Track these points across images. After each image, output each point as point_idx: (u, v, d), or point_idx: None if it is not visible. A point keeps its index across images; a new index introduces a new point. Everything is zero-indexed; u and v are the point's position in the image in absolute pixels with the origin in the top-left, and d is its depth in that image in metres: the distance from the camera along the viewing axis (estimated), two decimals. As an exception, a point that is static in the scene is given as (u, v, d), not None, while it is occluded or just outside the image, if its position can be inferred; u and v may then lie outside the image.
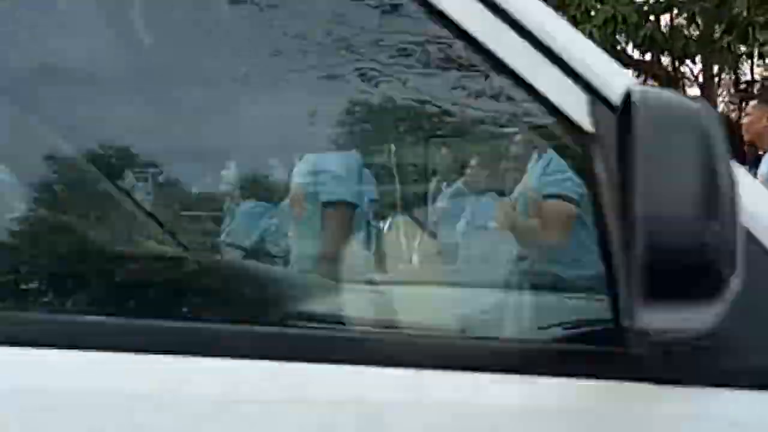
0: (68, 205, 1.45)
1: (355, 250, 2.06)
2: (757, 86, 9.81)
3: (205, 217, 2.13)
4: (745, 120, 4.82)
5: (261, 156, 2.02)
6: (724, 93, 11.41)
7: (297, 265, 2.03)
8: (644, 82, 12.77)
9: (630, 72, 11.18)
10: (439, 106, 1.74)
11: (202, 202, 2.14)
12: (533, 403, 0.77)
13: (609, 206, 0.76)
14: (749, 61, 10.22)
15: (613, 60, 0.93)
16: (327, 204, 2.22)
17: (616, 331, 0.76)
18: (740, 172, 0.78)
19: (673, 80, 10.04)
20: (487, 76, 1.05)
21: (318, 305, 1.16)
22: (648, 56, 9.38)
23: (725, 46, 8.84)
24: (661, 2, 8.71)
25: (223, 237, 2.15)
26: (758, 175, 4.35)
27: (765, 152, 4.32)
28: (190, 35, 1.31)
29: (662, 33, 8.77)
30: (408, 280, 1.83)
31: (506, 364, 0.81)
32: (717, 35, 8.85)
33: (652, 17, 8.72)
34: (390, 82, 1.43)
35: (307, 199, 2.18)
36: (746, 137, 4.52)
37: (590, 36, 8.08)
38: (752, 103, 4.87)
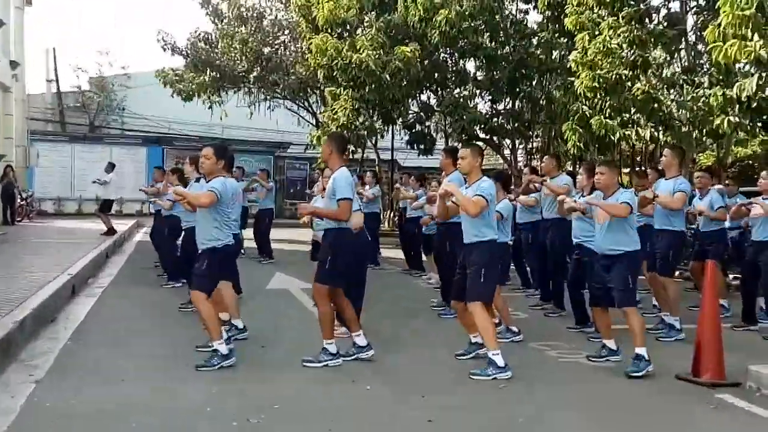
0: None
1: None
2: (534, 150, 19.84)
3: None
4: (543, 164, 10.78)
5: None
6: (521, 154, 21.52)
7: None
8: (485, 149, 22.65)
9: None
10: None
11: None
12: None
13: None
14: (530, 139, 20.23)
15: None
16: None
17: None
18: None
19: (498, 148, 20.00)
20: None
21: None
22: (488, 136, 19.12)
23: (520, 132, 18.94)
24: (493, 113, 18.74)
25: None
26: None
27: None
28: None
29: (495, 126, 18.59)
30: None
31: None
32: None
33: (490, 120, 18.55)
34: None
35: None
36: (541, 172, 11.59)
37: (463, 128, 17.77)
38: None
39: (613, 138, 12.64)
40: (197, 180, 7.35)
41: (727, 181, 11.07)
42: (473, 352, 6.07)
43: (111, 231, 15.81)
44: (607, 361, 6.08)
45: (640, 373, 5.64)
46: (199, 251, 5.92)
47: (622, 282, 5.84)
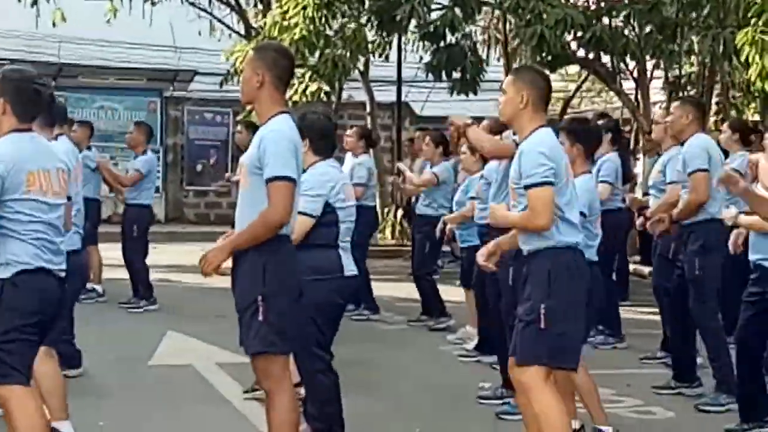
0: None
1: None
2: (683, 80, 19.72)
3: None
4: (669, 118, 9.17)
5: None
6: (657, 87, 21.32)
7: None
8: (587, 77, 22.85)
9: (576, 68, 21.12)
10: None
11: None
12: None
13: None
14: (678, 59, 19.97)
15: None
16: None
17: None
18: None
19: (612, 75, 20.09)
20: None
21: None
22: (591, 54, 19.20)
23: (657, 45, 18.77)
24: (602, 7, 18.64)
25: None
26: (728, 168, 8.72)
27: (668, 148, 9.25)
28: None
29: (605, 34, 18.51)
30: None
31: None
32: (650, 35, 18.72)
33: (595, 20, 18.49)
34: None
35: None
36: (670, 132, 9.13)
37: (541, 36, 17.56)
38: (675, 103, 9.12)
39: None
40: None
41: None
42: None
43: None
44: None
45: None
46: None
47: None
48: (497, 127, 8.64)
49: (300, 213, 6.34)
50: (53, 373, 6.67)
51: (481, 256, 6.59)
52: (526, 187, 5.94)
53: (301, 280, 6.09)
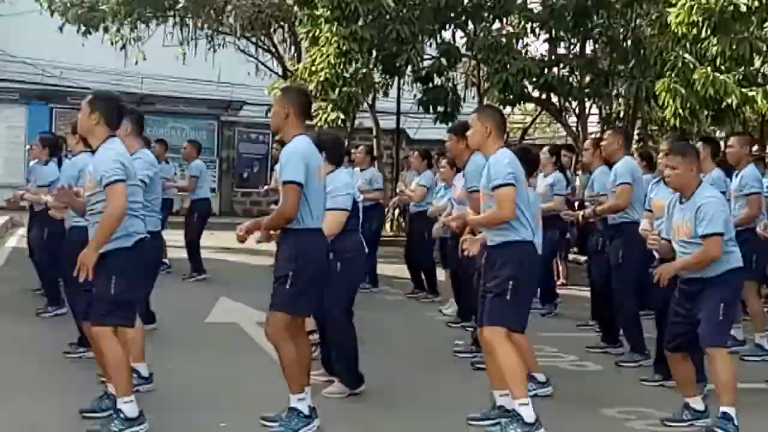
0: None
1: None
2: (613, 116, 19.79)
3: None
4: (603, 143, 9.16)
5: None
6: (593, 121, 21.40)
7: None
8: (540, 112, 22.74)
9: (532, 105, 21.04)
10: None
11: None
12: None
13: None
14: (610, 100, 20.01)
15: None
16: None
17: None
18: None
19: (559, 112, 20.13)
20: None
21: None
22: (544, 95, 19.22)
23: (594, 89, 18.81)
24: (553, 59, 18.67)
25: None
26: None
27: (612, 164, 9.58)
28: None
29: (554, 80, 18.55)
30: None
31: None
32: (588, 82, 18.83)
33: (547, 70, 18.53)
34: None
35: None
36: (604, 154, 8.99)
37: (506, 81, 17.62)
38: (608, 132, 10.46)
39: (730, 101, 12.63)
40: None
41: None
42: (495, 419, 6.20)
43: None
44: (691, 426, 6.34)
45: None
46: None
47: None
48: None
49: (336, 209, 6.66)
50: (136, 327, 6.65)
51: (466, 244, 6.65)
52: (494, 188, 5.98)
53: (326, 261, 6.21)
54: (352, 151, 14.30)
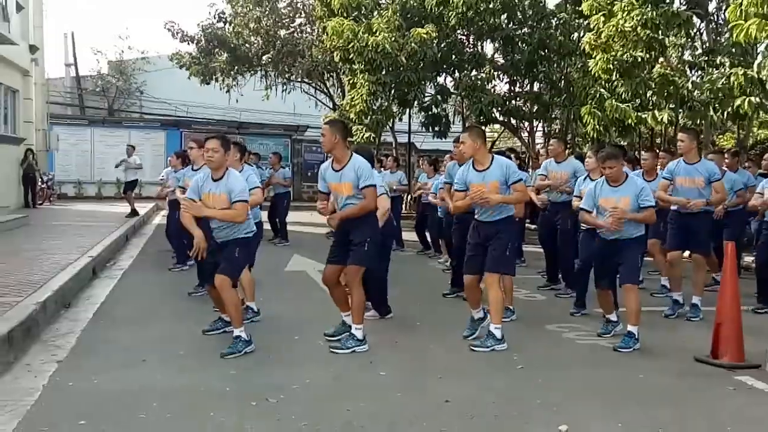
0: None
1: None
2: (553, 132, 19.71)
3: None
4: (550, 147, 8.89)
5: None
6: (539, 135, 21.35)
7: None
8: (504, 130, 22.49)
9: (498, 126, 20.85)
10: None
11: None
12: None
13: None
14: (550, 122, 20.05)
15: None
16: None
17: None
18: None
19: (516, 129, 19.99)
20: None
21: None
22: (506, 119, 19.14)
23: (539, 114, 18.76)
24: (512, 94, 18.59)
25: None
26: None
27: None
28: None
29: (513, 109, 18.52)
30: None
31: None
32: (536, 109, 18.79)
33: (508, 101, 18.46)
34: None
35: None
36: (550, 155, 8.58)
37: (481, 110, 17.58)
38: (553, 140, 9.07)
39: (629, 122, 12.59)
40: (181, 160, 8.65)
41: (746, 163, 10.91)
42: (476, 330, 6.21)
43: (134, 213, 16.08)
44: (614, 335, 6.35)
45: (626, 349, 5.92)
46: (227, 240, 5.83)
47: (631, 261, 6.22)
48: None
49: (383, 194, 6.62)
50: (248, 276, 6.71)
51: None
52: (515, 182, 5.99)
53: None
54: (381, 158, 14.32)
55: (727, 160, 9.11)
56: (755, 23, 9.20)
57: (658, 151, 9.91)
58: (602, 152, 6.58)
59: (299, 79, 25.20)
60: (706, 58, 13.11)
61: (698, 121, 13.14)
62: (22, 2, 18.18)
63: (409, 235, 13.52)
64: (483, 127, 19.87)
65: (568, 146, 19.32)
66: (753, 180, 9.07)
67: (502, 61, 18.53)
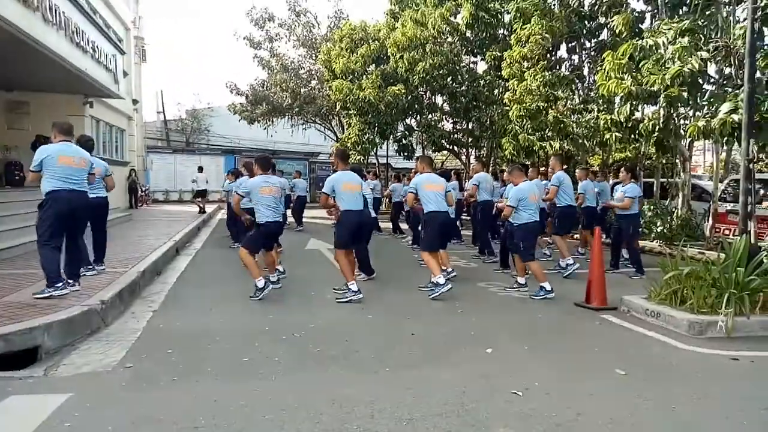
0: None
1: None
2: (482, 156, 19.61)
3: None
4: (473, 168, 10.30)
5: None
6: (472, 158, 21.16)
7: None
8: (449, 155, 22.19)
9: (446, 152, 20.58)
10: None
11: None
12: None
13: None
14: (481, 149, 19.87)
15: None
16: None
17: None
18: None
19: (458, 154, 19.84)
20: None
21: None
22: (452, 147, 18.99)
23: (473, 144, 18.68)
24: (458, 130, 18.49)
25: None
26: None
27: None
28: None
29: (457, 139, 18.38)
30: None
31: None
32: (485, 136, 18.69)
33: (453, 135, 18.27)
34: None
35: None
36: (472, 173, 10.08)
37: (434, 141, 17.53)
38: (474, 162, 10.87)
39: (534, 148, 12.69)
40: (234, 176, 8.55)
41: (598, 175, 10.91)
42: (429, 285, 6.11)
43: (202, 211, 16.01)
44: (519, 290, 6.25)
45: (538, 297, 5.84)
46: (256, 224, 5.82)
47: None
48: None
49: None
50: (270, 252, 6.56)
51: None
52: (447, 191, 6.18)
53: (357, 224, 5.87)
54: (366, 173, 14.14)
55: (578, 173, 8.95)
56: (614, 83, 9.32)
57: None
58: (509, 167, 6.61)
59: (313, 120, 25.02)
60: (583, 106, 13.15)
61: (577, 149, 13.21)
62: (127, 70, 18.00)
63: (386, 225, 13.53)
64: (436, 153, 20.19)
65: (492, 165, 19.54)
66: (606, 186, 8.96)
67: (448, 108, 18.44)
